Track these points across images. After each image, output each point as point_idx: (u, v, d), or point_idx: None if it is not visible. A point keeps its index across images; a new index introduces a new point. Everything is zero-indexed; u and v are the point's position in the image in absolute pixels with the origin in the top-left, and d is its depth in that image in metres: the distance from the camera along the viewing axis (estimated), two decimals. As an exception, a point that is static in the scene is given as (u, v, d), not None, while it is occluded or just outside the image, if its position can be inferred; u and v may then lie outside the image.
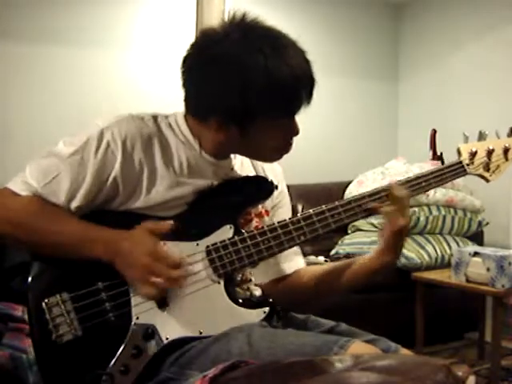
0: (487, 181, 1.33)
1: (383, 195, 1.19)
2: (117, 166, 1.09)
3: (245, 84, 1.05)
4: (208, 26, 1.14)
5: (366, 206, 1.18)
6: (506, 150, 1.33)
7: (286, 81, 1.06)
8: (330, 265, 1.33)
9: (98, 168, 1.09)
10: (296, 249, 1.32)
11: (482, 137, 1.33)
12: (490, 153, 1.31)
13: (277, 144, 1.17)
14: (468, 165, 1.30)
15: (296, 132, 1.16)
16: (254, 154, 1.21)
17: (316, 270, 1.33)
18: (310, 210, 1.16)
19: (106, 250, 1.07)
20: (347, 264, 1.26)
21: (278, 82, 1.05)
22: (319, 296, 1.34)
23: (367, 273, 1.22)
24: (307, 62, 1.11)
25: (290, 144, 1.18)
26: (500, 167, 1.33)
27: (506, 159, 1.33)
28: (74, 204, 1.10)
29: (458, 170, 1.29)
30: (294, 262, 1.34)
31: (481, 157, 1.31)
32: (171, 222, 1.10)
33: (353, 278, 1.24)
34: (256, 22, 1.11)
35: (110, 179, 1.10)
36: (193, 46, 1.13)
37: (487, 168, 1.31)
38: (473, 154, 1.30)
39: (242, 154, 1.22)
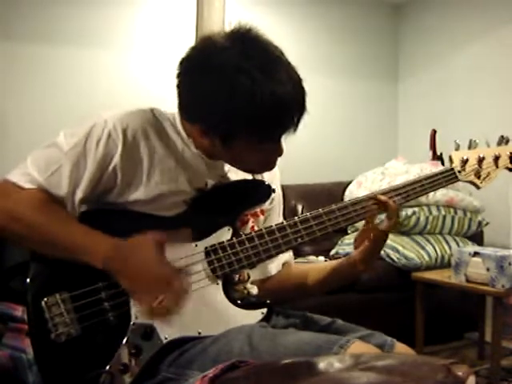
0: (478, 187, 1.36)
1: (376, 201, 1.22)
2: (117, 155, 1.09)
3: (229, 104, 1.03)
4: (208, 27, 1.14)
5: (361, 210, 1.20)
6: (496, 158, 1.36)
7: (268, 108, 1.03)
8: (315, 266, 1.39)
9: (100, 158, 1.09)
10: None
11: (472, 145, 1.36)
12: (480, 160, 1.35)
13: (259, 162, 1.16)
14: (460, 172, 1.33)
15: (279, 154, 1.15)
16: (238, 166, 1.19)
17: (302, 270, 1.37)
18: (307, 214, 1.17)
19: (107, 257, 1.05)
20: (324, 267, 1.33)
21: (260, 109, 1.03)
22: (304, 294, 1.41)
23: (338, 280, 1.32)
24: (300, 89, 1.08)
25: (274, 163, 1.18)
26: (490, 174, 1.36)
27: (497, 166, 1.37)
28: (78, 195, 1.10)
29: (449, 176, 1.32)
30: (277, 261, 1.36)
31: (472, 164, 1.34)
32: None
33: (324, 282, 1.32)
34: (259, 39, 1.07)
35: (111, 168, 1.10)
36: (192, 50, 1.12)
37: (478, 175, 1.35)
38: (464, 162, 1.33)
39: (226, 162, 1.20)
